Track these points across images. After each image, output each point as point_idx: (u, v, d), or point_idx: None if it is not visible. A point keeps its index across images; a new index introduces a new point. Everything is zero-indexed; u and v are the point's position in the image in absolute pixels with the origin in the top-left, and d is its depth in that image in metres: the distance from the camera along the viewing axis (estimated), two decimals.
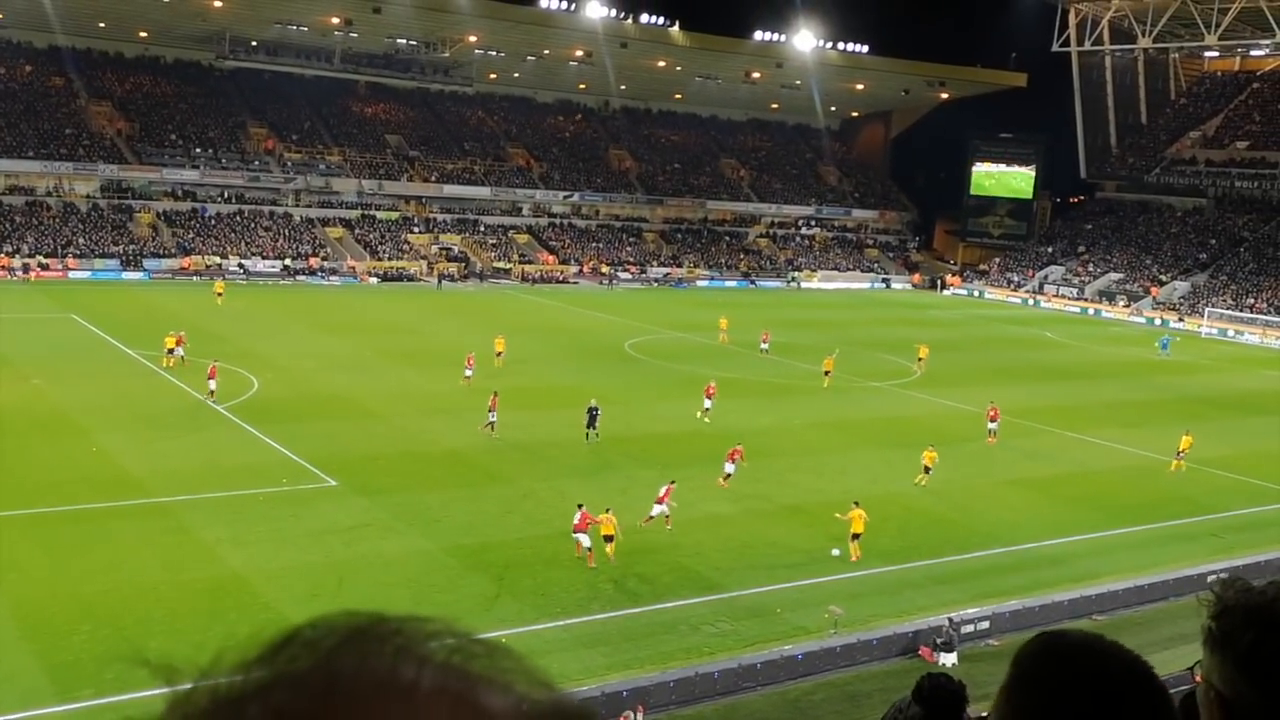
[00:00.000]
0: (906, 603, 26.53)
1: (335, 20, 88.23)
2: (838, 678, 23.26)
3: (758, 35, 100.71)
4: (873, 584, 27.50)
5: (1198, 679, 1.80)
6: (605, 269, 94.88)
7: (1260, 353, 76.06)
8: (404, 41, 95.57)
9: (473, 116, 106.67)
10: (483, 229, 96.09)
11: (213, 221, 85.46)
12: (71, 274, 74.37)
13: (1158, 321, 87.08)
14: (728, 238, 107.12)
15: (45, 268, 73.54)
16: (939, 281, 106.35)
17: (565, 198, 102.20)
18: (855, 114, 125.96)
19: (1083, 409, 49.47)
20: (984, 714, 4.94)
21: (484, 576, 26.10)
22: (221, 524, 28.14)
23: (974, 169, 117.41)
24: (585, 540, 27.00)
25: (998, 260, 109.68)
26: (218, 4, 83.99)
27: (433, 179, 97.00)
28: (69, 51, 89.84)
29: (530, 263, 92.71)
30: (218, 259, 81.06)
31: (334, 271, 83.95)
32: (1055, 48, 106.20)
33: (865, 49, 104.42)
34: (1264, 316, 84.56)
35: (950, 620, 24.54)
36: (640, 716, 20.02)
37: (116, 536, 26.83)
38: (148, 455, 33.56)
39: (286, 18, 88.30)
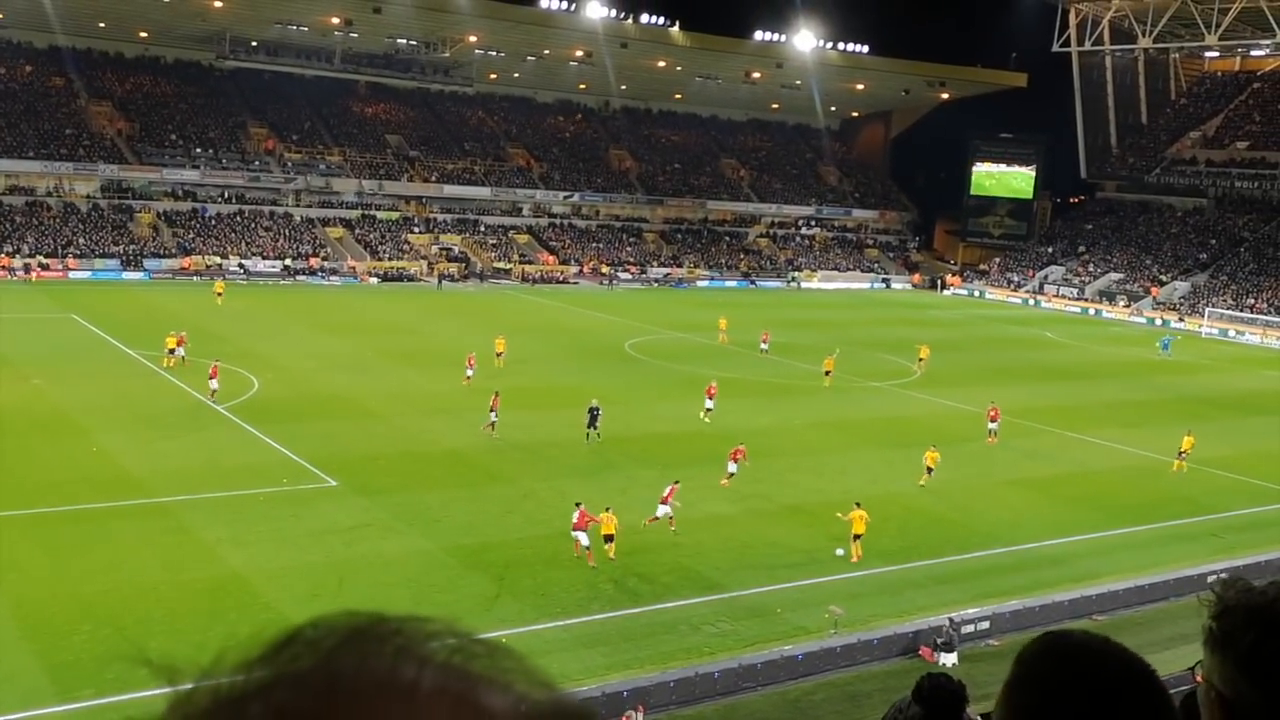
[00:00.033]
0: (907, 603, 26.52)
1: (335, 20, 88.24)
2: (838, 678, 23.25)
3: (758, 35, 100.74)
4: (873, 584, 27.50)
5: (1198, 679, 1.80)
6: (605, 269, 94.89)
7: (1260, 353, 76.05)
8: (404, 41, 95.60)
9: (473, 116, 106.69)
10: (483, 229, 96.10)
11: (213, 221, 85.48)
12: (72, 274, 74.39)
13: (1158, 322, 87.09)
14: (728, 238, 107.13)
15: (45, 268, 73.56)
16: (939, 281, 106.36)
17: (565, 198, 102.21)
18: (855, 114, 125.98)
19: (1083, 409, 49.47)
20: (985, 714, 4.94)
21: (484, 576, 26.10)
22: (222, 524, 28.14)
23: (974, 169, 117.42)
24: (584, 539, 27.01)
25: (998, 260, 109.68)
26: (218, 4, 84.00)
27: (433, 179, 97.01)
28: (69, 51, 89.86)
29: (530, 263, 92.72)
30: (218, 259, 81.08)
31: (334, 272, 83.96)
32: (1055, 48, 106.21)
33: (865, 49, 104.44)
34: (1264, 317, 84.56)
35: (950, 620, 24.53)
36: (640, 716, 20.01)
37: (117, 536, 26.83)
38: (148, 455, 33.57)
39: (287, 18, 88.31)
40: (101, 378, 43.49)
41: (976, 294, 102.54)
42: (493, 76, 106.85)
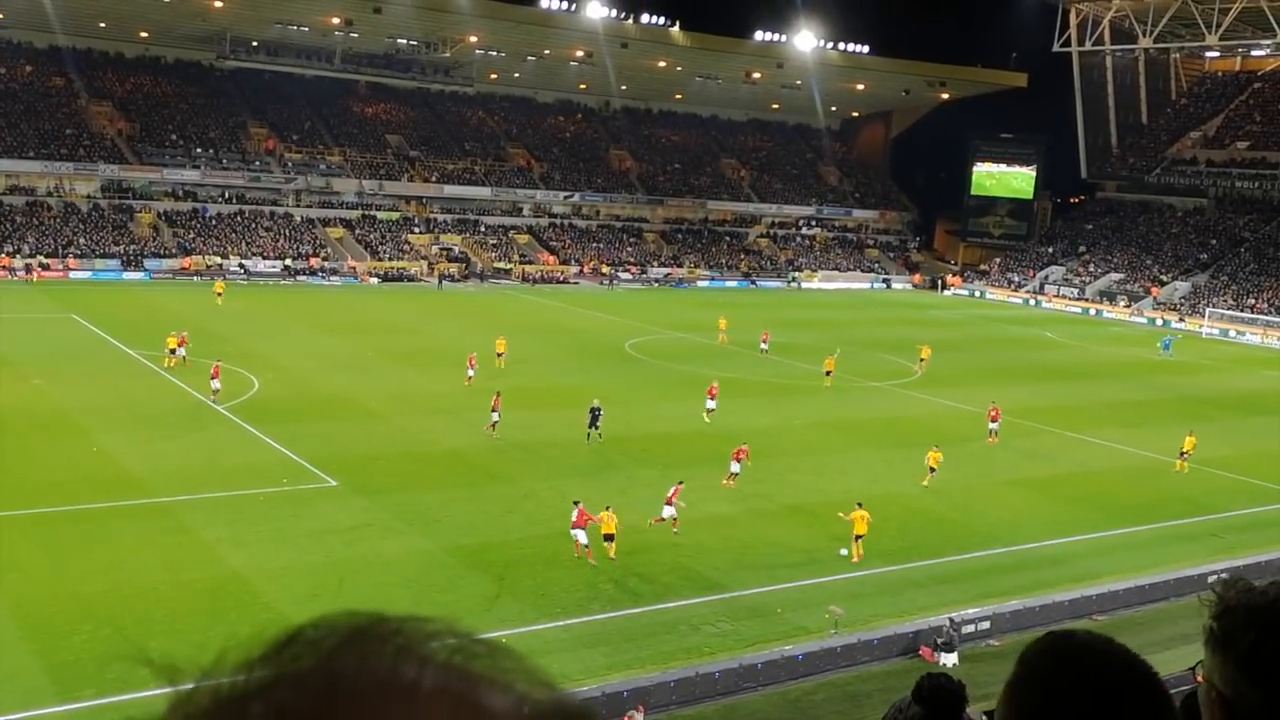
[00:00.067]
0: (907, 603, 26.53)
1: (335, 20, 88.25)
2: (838, 678, 23.25)
3: (758, 35, 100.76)
4: (873, 584, 27.50)
5: (1199, 679, 1.79)
6: (606, 269, 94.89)
7: (1261, 353, 76.06)
8: (404, 41, 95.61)
9: (473, 116, 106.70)
10: (483, 229, 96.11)
11: (213, 221, 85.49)
12: (72, 274, 74.40)
13: (1159, 322, 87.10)
14: (728, 238, 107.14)
15: (46, 268, 73.56)
16: (939, 282, 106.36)
17: (566, 198, 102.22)
18: (856, 114, 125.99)
19: (1083, 409, 49.47)
20: (988, 711, 4.94)
21: (484, 576, 26.10)
22: (222, 524, 28.15)
23: (974, 169, 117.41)
24: (583, 537, 27.03)
25: (998, 260, 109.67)
26: (218, 4, 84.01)
27: (433, 179, 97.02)
28: (69, 51, 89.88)
29: (531, 263, 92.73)
30: (218, 259, 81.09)
31: (334, 272, 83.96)
32: (1056, 48, 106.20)
33: (866, 49, 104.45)
34: (1264, 317, 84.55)
35: (951, 620, 24.53)
36: (641, 716, 20.01)
37: (117, 536, 26.84)
38: (148, 455, 33.57)
39: (287, 18, 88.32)
40: (102, 378, 43.50)
41: (977, 294, 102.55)
42: (493, 76, 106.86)
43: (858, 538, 28.50)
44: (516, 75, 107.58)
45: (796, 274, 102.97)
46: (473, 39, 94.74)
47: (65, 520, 27.76)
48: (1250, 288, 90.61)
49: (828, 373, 51.35)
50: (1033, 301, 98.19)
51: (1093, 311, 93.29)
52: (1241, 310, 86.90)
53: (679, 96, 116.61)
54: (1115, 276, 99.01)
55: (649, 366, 54.10)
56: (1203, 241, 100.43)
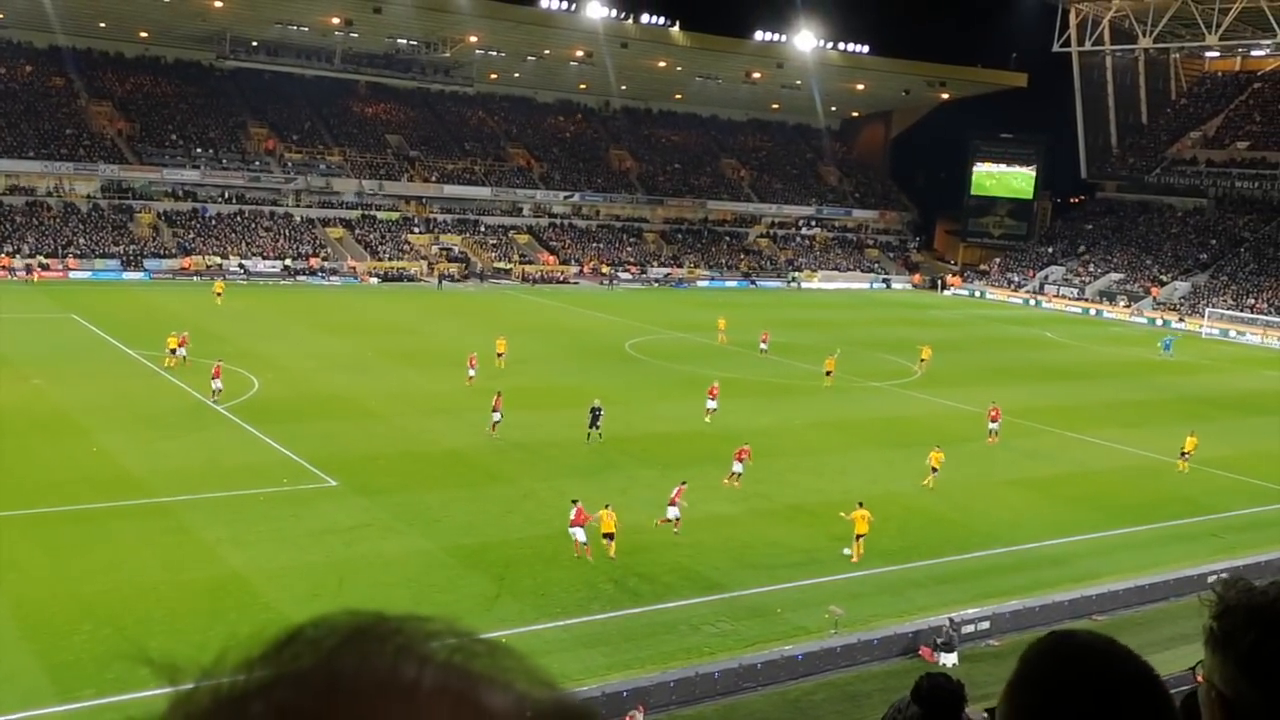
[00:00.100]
0: (907, 603, 26.53)
1: (335, 20, 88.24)
2: (838, 678, 23.26)
3: (758, 35, 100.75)
4: (873, 584, 27.51)
5: (1199, 679, 1.79)
6: (606, 269, 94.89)
7: (1261, 353, 76.06)
8: (404, 41, 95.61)
9: (473, 116, 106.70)
10: (483, 229, 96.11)
11: (213, 222, 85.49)
12: (72, 274, 74.40)
13: (1159, 322, 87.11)
14: (728, 238, 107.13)
15: (45, 268, 73.56)
16: (939, 282, 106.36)
17: (566, 198, 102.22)
18: (855, 114, 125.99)
19: (1083, 409, 49.48)
20: (984, 714, 4.94)
21: (484, 576, 26.10)
22: (222, 524, 28.15)
23: (974, 169, 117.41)
24: (581, 535, 27.06)
25: (998, 260, 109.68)
26: (218, 4, 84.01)
27: (433, 179, 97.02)
28: (69, 51, 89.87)
29: (530, 263, 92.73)
30: (218, 259, 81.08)
31: (334, 272, 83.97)
32: (1056, 48, 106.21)
33: (865, 49, 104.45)
34: (1264, 317, 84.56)
35: (951, 620, 24.53)
36: (641, 716, 20.01)
37: (117, 536, 26.84)
38: (148, 455, 33.57)
39: (287, 18, 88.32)
40: (102, 378, 43.50)
41: (977, 294, 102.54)
42: (493, 76, 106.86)
43: (859, 537, 28.51)
44: (516, 75, 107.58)
45: (796, 274, 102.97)
46: (473, 39, 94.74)
47: (65, 520, 27.76)
48: (1250, 288, 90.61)
49: (828, 373, 51.35)
50: (1033, 301, 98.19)
51: (1093, 311, 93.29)
52: (1241, 310, 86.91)
53: (679, 96, 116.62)
54: (1115, 276, 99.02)
55: (649, 366, 54.10)
56: (1202, 241, 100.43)
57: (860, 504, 29.21)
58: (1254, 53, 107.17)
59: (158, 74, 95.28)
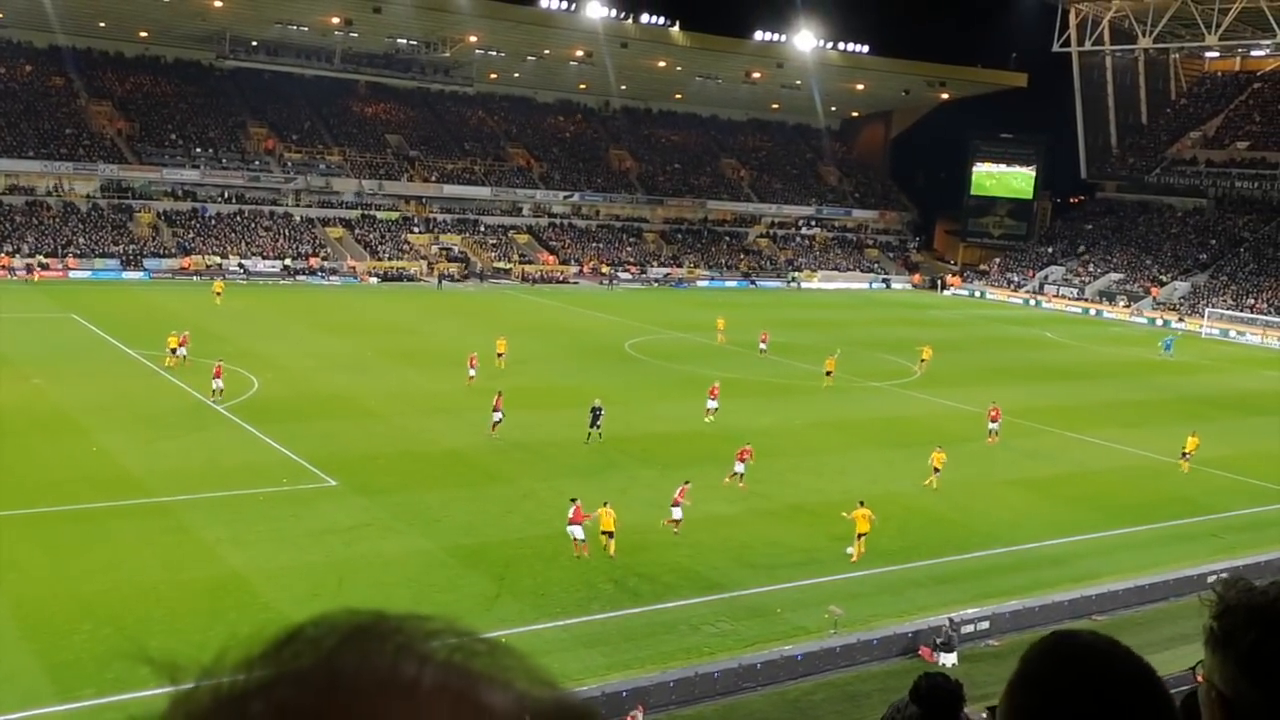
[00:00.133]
0: (906, 603, 26.53)
1: (335, 20, 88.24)
2: (838, 678, 23.26)
3: (758, 35, 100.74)
4: (873, 584, 27.51)
5: (1200, 679, 1.79)
6: (605, 269, 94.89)
7: (1261, 353, 76.07)
8: (404, 41, 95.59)
9: (473, 116, 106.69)
10: (483, 229, 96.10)
11: (213, 221, 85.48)
12: (72, 274, 74.39)
13: (1159, 322, 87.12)
14: (728, 238, 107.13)
15: (45, 267, 73.57)
16: (939, 282, 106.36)
17: (565, 198, 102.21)
18: (855, 114, 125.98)
19: (1083, 409, 49.48)
20: (983, 715, 4.94)
21: (484, 576, 26.11)
22: (221, 524, 28.14)
23: (974, 169, 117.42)
24: (579, 533, 27.08)
25: (998, 260, 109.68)
26: (218, 4, 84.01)
27: (433, 179, 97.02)
28: (69, 51, 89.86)
29: (530, 263, 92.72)
30: (218, 259, 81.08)
31: (334, 271, 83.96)
32: (1056, 48, 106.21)
33: (865, 49, 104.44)
34: (1264, 317, 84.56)
35: (950, 620, 24.54)
36: (641, 716, 20.02)
37: (116, 536, 26.84)
38: (148, 455, 33.57)
39: (287, 18, 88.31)
40: (101, 377, 43.50)
41: (977, 294, 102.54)
42: (493, 76, 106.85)
43: (860, 535, 28.52)
44: (516, 75, 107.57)
45: (796, 274, 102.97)
46: (473, 39, 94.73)
47: (65, 520, 27.76)
48: (1250, 288, 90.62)
49: (828, 373, 51.35)
50: (1032, 302, 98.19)
51: (1093, 311, 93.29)
52: (1241, 310, 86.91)
53: (679, 96, 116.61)
54: (1115, 276, 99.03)
55: (649, 366, 54.10)
56: (1202, 241, 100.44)
57: (861, 503, 29.23)
58: (1254, 53, 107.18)
59: (157, 74, 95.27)
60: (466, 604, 23.96)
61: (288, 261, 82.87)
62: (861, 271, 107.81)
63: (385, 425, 38.83)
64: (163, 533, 27.22)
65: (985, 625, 25.55)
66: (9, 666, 20.31)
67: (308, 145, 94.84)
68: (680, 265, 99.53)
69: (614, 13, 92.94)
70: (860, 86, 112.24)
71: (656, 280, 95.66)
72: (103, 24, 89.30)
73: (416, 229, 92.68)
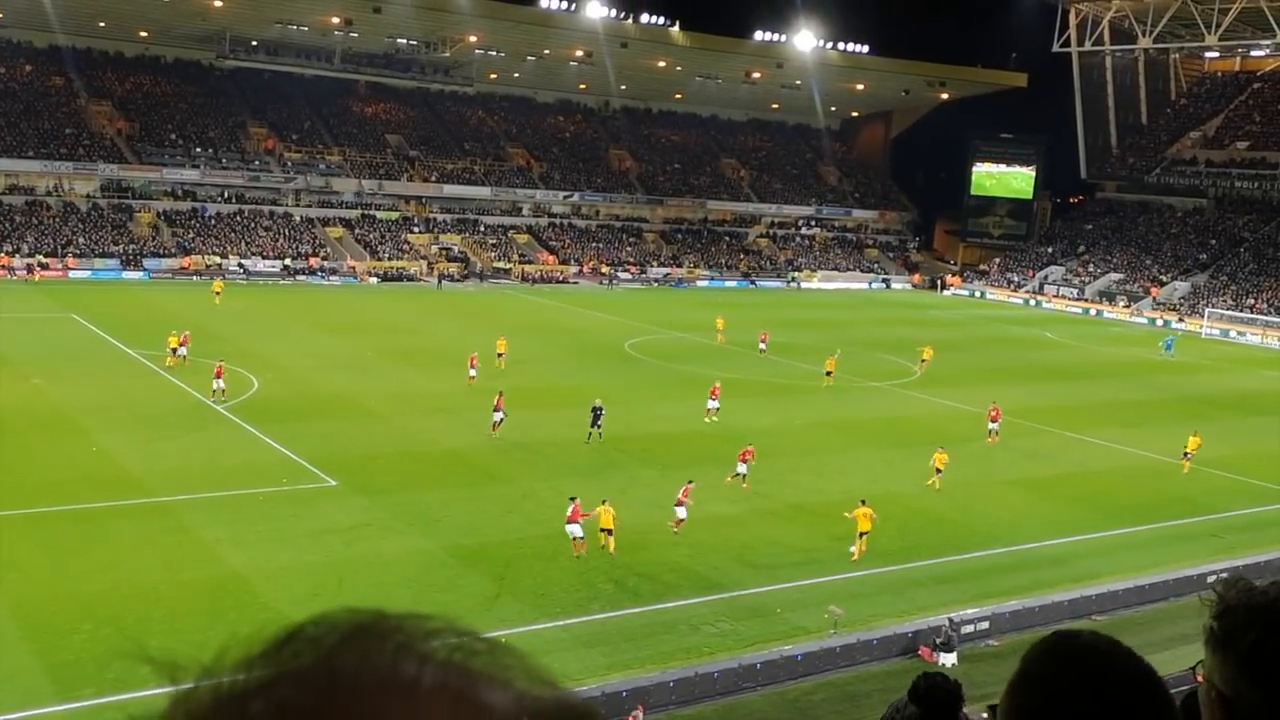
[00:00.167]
0: (906, 603, 26.53)
1: (335, 20, 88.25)
2: (838, 678, 23.26)
3: (758, 35, 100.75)
4: (873, 584, 27.51)
5: (1200, 678, 1.79)
6: (605, 269, 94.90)
7: (1261, 353, 76.08)
8: (404, 41, 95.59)
9: (473, 116, 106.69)
10: (483, 229, 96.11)
11: (213, 221, 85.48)
12: (72, 273, 74.40)
13: (1159, 322, 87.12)
14: (728, 238, 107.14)
15: (45, 267, 73.57)
16: (939, 282, 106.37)
17: (565, 198, 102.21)
18: (855, 114, 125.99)
19: (1083, 409, 49.48)
20: (984, 715, 4.94)
21: (484, 576, 26.11)
22: (221, 524, 28.14)
23: (974, 169, 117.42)
24: (577, 531, 27.10)
25: (998, 260, 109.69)
26: (218, 4, 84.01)
27: (433, 179, 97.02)
28: (69, 51, 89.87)
29: (530, 263, 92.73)
30: (218, 259, 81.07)
31: (334, 271, 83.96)
32: (1056, 48, 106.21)
33: (865, 49, 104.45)
34: (1264, 317, 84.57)
35: (950, 620, 24.54)
36: (642, 716, 20.02)
37: (116, 536, 26.84)
38: (148, 455, 33.57)
39: (287, 18, 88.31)
40: (101, 377, 43.49)
41: (977, 294, 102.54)
42: (493, 76, 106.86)
43: (862, 534, 28.52)
44: (516, 75, 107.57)
45: (796, 274, 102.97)
46: (473, 39, 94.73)
47: (65, 520, 27.76)
48: (1250, 288, 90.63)
49: (828, 373, 51.35)
50: (1032, 302, 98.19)
51: (1093, 312, 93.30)
52: (1241, 310, 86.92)
53: (679, 96, 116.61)
54: (1115, 277, 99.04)
55: (649, 366, 54.10)
56: (1202, 242, 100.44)
57: (863, 501, 29.25)
58: (1254, 53, 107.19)
59: (157, 73, 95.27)
60: (466, 604, 23.95)
61: (288, 261, 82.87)
62: (861, 271, 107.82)
63: (385, 425, 38.83)
64: (163, 533, 27.23)
65: (985, 625, 25.56)
66: (9, 666, 20.31)
67: (308, 145, 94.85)
68: (680, 265, 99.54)
69: (614, 13, 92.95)
70: (860, 86, 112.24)
71: (656, 280, 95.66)
72: (103, 24, 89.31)
73: (416, 229, 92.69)
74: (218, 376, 40.49)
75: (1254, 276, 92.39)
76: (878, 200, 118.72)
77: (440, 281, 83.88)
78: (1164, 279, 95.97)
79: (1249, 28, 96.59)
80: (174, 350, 46.03)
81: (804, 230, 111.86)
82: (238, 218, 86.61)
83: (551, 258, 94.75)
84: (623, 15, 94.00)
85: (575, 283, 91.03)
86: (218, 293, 66.54)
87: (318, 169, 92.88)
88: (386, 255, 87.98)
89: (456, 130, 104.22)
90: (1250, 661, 1.65)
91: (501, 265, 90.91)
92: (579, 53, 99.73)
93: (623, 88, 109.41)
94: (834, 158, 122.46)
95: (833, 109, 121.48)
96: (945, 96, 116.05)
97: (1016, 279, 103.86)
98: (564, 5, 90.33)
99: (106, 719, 18.49)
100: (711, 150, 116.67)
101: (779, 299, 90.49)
